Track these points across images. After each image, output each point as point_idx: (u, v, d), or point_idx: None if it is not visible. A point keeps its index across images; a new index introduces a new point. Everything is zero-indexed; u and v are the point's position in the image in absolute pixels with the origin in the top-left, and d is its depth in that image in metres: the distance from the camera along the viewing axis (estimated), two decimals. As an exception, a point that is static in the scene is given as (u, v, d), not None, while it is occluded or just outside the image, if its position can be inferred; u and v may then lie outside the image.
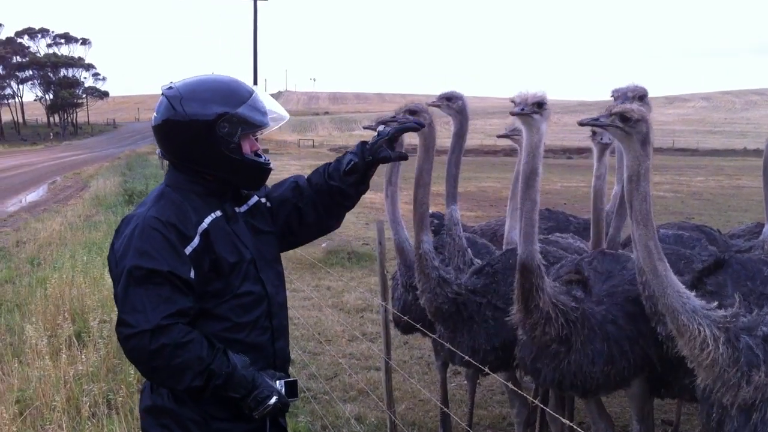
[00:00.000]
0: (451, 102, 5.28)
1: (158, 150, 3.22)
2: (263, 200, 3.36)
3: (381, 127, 3.42)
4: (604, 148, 5.45)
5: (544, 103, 4.08)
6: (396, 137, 3.33)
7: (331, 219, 3.49)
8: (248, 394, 2.94)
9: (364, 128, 5.55)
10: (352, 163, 3.32)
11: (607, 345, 4.24)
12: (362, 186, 3.38)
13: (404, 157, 3.48)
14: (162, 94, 3.07)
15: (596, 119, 3.49)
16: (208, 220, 3.02)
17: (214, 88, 3.08)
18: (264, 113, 3.13)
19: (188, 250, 2.92)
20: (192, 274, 2.90)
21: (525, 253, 4.15)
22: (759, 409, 3.33)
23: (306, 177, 3.50)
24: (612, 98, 4.19)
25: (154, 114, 3.08)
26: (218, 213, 3.08)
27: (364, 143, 3.36)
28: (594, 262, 4.71)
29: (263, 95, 3.19)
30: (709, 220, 18.18)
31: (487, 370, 4.83)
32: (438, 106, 5.29)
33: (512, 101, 4.13)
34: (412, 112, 4.88)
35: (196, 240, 2.95)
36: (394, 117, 4.84)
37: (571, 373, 4.27)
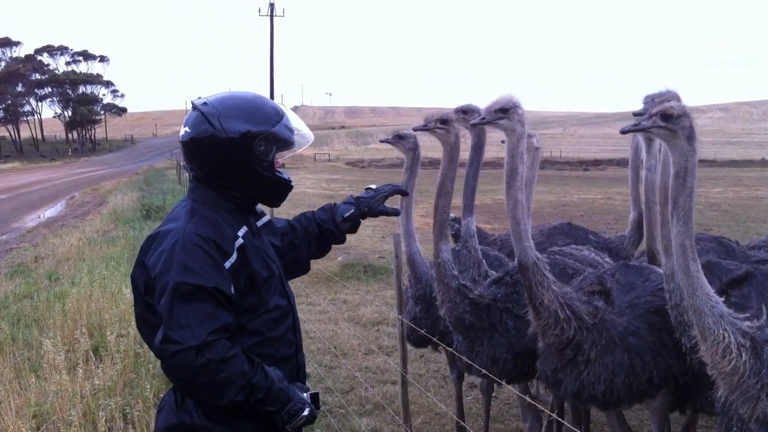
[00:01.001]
0: (467, 115, 5.28)
1: (183, 164, 3.24)
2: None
3: (371, 185, 3.80)
4: (652, 140, 5.31)
5: (508, 108, 4.11)
6: (389, 196, 3.73)
7: (319, 254, 3.80)
8: (283, 407, 2.96)
9: (381, 141, 5.64)
10: (351, 212, 3.68)
11: (628, 356, 4.20)
12: (352, 232, 3.79)
13: (398, 213, 3.87)
14: (195, 108, 3.08)
15: (637, 124, 3.47)
16: (241, 234, 3.05)
17: (249, 106, 3.11)
18: (293, 132, 3.19)
19: (227, 265, 2.94)
20: (232, 290, 2.93)
21: (518, 251, 4.18)
22: None
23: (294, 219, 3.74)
24: (643, 105, 4.18)
25: (185, 129, 3.08)
26: (246, 228, 3.11)
27: (357, 198, 3.72)
28: (617, 274, 4.68)
29: (290, 114, 3.24)
30: (728, 231, 18.05)
31: (503, 383, 4.79)
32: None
33: (478, 113, 4.23)
34: (444, 121, 5.00)
35: (234, 255, 2.98)
36: (425, 124, 5.08)
37: (591, 384, 4.23)
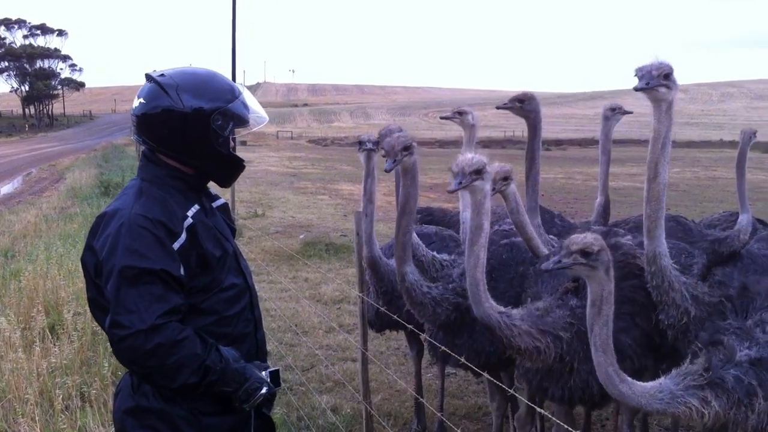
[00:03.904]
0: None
1: (135, 137, 3.17)
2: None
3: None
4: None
5: (481, 169, 4.02)
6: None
7: None
8: (240, 386, 2.95)
9: (442, 119, 5.90)
10: None
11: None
12: None
13: None
14: (151, 79, 3.02)
15: (558, 261, 3.44)
16: (191, 214, 3.01)
17: (206, 80, 3.08)
18: (249, 111, 3.16)
19: (176, 246, 2.90)
20: (181, 271, 2.88)
21: (479, 314, 4.02)
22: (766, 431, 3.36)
23: None
24: (636, 77, 4.12)
25: (140, 100, 3.02)
26: (197, 207, 3.07)
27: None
28: None
29: (247, 94, 3.21)
30: (685, 211, 18.27)
31: (486, 375, 4.69)
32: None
33: (451, 170, 4.09)
34: (406, 148, 4.62)
35: (183, 236, 2.93)
36: (387, 154, 4.64)
37: (579, 389, 4.25)
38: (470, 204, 4.15)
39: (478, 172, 4.01)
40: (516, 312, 4.11)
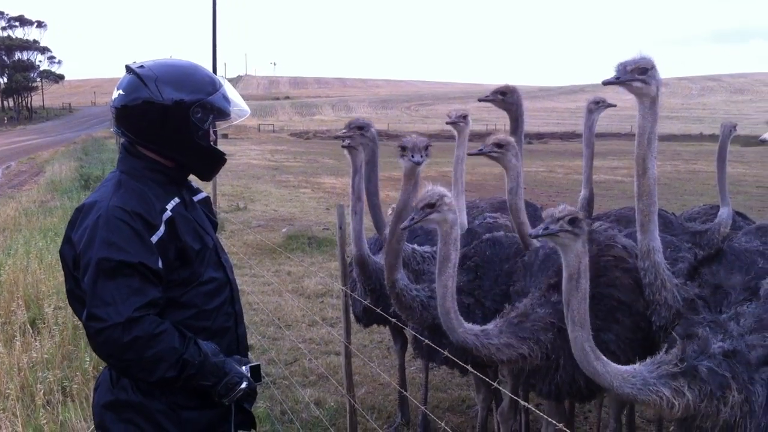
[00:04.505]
0: (364, 131, 5.40)
1: (114, 129, 3.14)
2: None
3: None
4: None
5: (434, 203, 4.00)
6: None
7: None
8: (219, 381, 2.94)
9: (480, 100, 5.91)
10: None
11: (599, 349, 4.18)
12: None
13: None
14: (131, 71, 2.99)
15: (546, 227, 3.47)
16: (170, 207, 2.98)
17: (186, 72, 3.05)
18: (230, 104, 3.13)
19: (154, 239, 2.87)
20: (160, 264, 2.86)
21: (455, 340, 4.06)
22: (739, 425, 3.35)
23: None
24: (615, 72, 4.13)
25: (119, 92, 2.99)
26: (177, 200, 3.05)
27: None
28: None
29: (228, 86, 3.18)
30: (666, 204, 18.32)
31: (471, 369, 4.67)
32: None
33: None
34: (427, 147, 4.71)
35: (162, 229, 2.91)
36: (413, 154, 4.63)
37: (566, 384, 4.23)
38: (440, 234, 4.08)
39: (431, 206, 3.99)
40: (492, 328, 4.11)
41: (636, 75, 4.03)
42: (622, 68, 4.05)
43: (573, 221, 3.45)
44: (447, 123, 5.80)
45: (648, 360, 3.50)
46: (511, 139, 4.87)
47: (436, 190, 4.03)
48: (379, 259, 5.31)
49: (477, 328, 4.08)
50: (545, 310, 4.21)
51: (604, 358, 3.43)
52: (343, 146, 5.47)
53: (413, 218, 4.04)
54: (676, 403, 3.36)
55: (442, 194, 4.03)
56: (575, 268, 3.44)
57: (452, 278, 4.05)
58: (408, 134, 4.91)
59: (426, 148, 4.60)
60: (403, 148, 4.61)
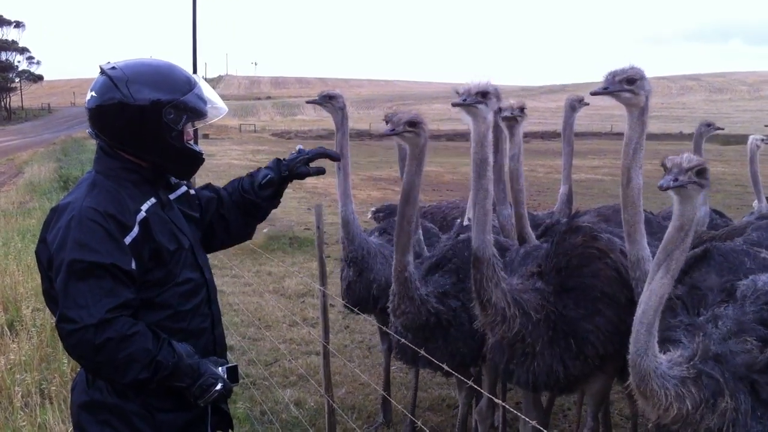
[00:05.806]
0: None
1: (89, 130, 3.12)
2: (191, 191, 3.36)
3: (300, 147, 3.54)
4: (514, 127, 5.42)
5: (488, 92, 3.96)
6: (314, 159, 3.48)
7: (246, 230, 3.58)
8: (194, 382, 2.92)
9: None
10: (268, 177, 3.43)
11: (576, 343, 4.18)
12: (275, 200, 3.51)
13: (322, 172, 3.54)
14: (103, 73, 2.97)
15: (675, 179, 3.30)
16: (145, 207, 2.96)
17: (160, 72, 3.02)
18: (206, 103, 3.10)
19: (128, 240, 2.85)
20: (133, 265, 2.84)
21: (478, 242, 4.00)
22: None
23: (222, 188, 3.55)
24: (604, 81, 4.12)
25: (92, 93, 2.96)
26: (153, 200, 3.02)
27: (279, 160, 3.48)
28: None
29: (204, 85, 3.16)
30: (646, 203, 18.43)
31: (457, 375, 4.62)
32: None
33: (457, 92, 4.03)
34: (413, 123, 4.40)
35: (136, 229, 2.88)
36: (394, 128, 4.40)
37: (543, 374, 4.21)
38: (472, 136, 4.01)
39: (484, 95, 3.93)
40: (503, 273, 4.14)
41: (625, 85, 4.03)
42: (611, 78, 4.04)
43: (700, 172, 3.33)
44: (503, 118, 5.34)
45: (665, 355, 3.39)
46: (494, 90, 4.23)
47: (490, 83, 3.97)
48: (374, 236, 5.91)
49: (495, 251, 4.07)
50: (534, 296, 4.21)
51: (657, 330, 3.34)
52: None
53: (465, 100, 3.93)
54: (674, 407, 3.30)
55: (497, 90, 4.00)
56: (689, 219, 3.35)
57: (491, 182, 4.04)
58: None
59: (412, 123, 4.35)
60: (413, 123, 4.39)
